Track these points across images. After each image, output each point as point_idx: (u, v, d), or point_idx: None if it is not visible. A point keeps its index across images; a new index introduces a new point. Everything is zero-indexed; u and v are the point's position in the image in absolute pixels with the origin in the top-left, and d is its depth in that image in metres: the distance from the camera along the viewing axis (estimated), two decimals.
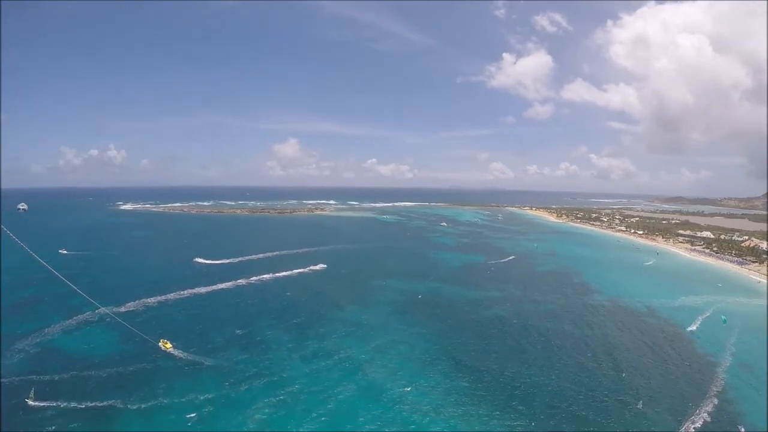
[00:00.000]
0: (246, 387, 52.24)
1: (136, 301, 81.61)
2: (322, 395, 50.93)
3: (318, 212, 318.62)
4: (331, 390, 52.29)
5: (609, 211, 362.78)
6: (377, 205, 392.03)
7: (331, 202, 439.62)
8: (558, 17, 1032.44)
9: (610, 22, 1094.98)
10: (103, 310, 72.81)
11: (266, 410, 47.50)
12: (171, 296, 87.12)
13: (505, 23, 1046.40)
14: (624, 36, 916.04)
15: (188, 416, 45.64)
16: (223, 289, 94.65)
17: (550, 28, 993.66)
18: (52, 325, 70.63)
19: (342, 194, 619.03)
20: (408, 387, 53.35)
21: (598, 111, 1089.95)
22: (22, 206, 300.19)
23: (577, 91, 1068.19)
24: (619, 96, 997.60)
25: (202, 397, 49.20)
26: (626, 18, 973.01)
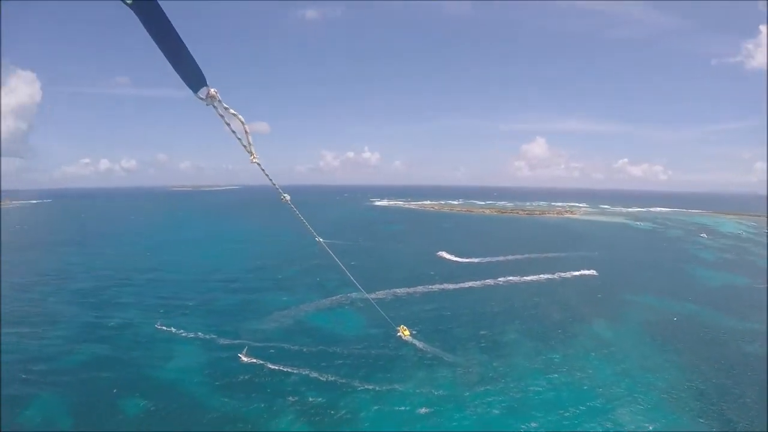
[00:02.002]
0: (481, 389, 49.74)
1: (386, 291, 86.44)
2: (557, 413, 45.83)
3: (567, 215, 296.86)
4: (567, 408, 46.64)
5: None
6: (629, 209, 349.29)
7: (581, 205, 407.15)
8: None
9: None
10: (354, 295, 79.56)
11: (497, 417, 44.58)
12: (419, 289, 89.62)
13: None
14: None
15: (419, 410, 45.27)
16: (470, 287, 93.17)
17: None
18: (308, 303, 79.27)
19: (591, 197, 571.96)
20: (650, 425, 44.58)
21: None
22: (286, 197, 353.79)
23: None
24: None
25: (436, 393, 48.36)
26: None
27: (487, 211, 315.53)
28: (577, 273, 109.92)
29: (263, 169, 7.51)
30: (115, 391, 48.28)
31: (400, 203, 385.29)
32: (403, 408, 45.17)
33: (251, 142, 5.85)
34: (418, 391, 48.35)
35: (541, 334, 67.30)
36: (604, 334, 69.08)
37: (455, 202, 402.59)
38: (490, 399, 47.44)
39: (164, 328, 66.37)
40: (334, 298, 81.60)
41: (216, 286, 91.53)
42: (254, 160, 6.20)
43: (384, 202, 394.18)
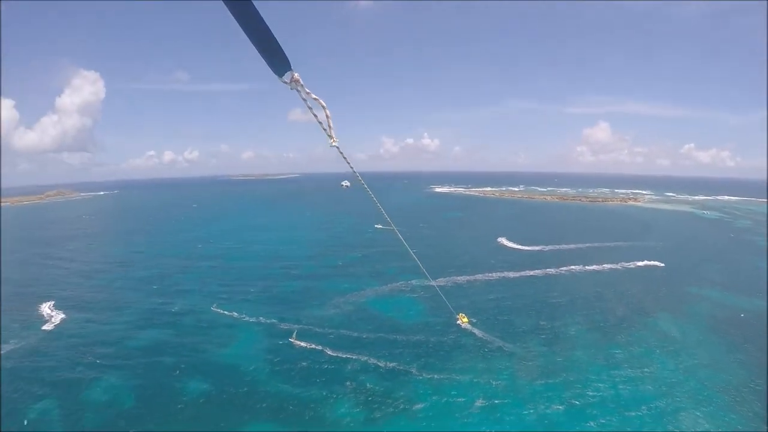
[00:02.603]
0: (541, 383, 48.22)
1: (446, 278, 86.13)
2: (619, 412, 43.91)
3: (631, 202, 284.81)
4: (630, 408, 44.57)
5: None
6: (695, 198, 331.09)
7: (645, 192, 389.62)
8: None
9: None
10: (414, 281, 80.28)
11: (556, 414, 42.94)
12: (479, 277, 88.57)
13: None
14: None
15: (477, 402, 44.44)
16: (531, 276, 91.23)
17: None
18: (367, 289, 79.79)
19: (656, 183, 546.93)
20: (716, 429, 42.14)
21: None
22: (345, 183, 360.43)
23: None
24: None
25: (494, 383, 47.47)
26: None
27: (549, 198, 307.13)
28: (641, 264, 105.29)
29: (342, 152, 7.39)
30: (176, 373, 50.12)
31: (460, 190, 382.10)
32: (461, 399, 44.44)
33: (332, 126, 5.74)
34: (476, 381, 47.52)
35: (603, 328, 64.74)
36: (669, 330, 65.78)
37: (516, 189, 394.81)
38: (549, 394, 45.88)
39: (225, 312, 68.50)
40: (394, 284, 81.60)
41: (276, 272, 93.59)
42: (333, 144, 6.05)
43: (444, 189, 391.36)
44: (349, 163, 8.72)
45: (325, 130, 5.74)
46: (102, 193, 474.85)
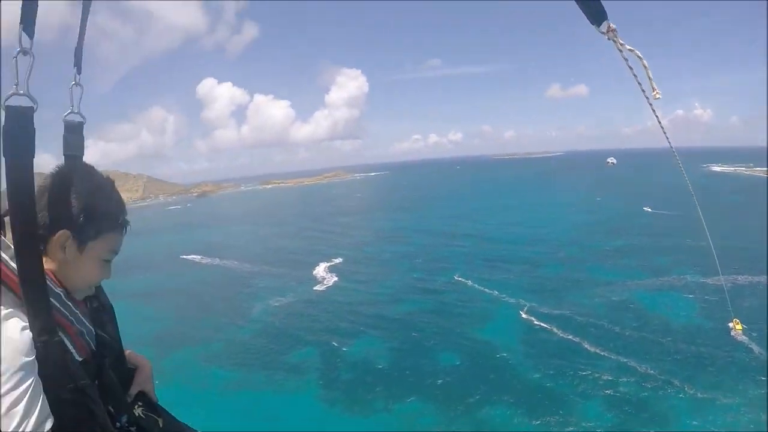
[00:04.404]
0: None
1: (726, 276, 71.14)
2: None
3: None
4: None
5: None
6: None
7: None
8: None
9: None
10: (689, 277, 68.90)
11: None
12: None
13: None
14: None
15: None
16: None
17: None
18: (634, 281, 70.91)
19: None
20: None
21: None
22: (611, 160, 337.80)
23: None
24: None
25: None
26: None
27: None
28: None
29: (654, 110, 6.21)
30: (430, 342, 53.09)
31: (741, 169, 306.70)
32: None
33: (651, 77, 4.74)
34: (743, 410, 38.37)
35: None
36: None
37: None
38: None
39: (485, 290, 69.50)
40: (664, 278, 71.23)
41: (536, 254, 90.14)
42: (657, 96, 5.02)
43: (721, 168, 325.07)
44: (661, 125, 7.37)
45: (639, 84, 4.81)
46: (373, 174, 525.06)
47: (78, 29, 2.51)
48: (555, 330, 54.09)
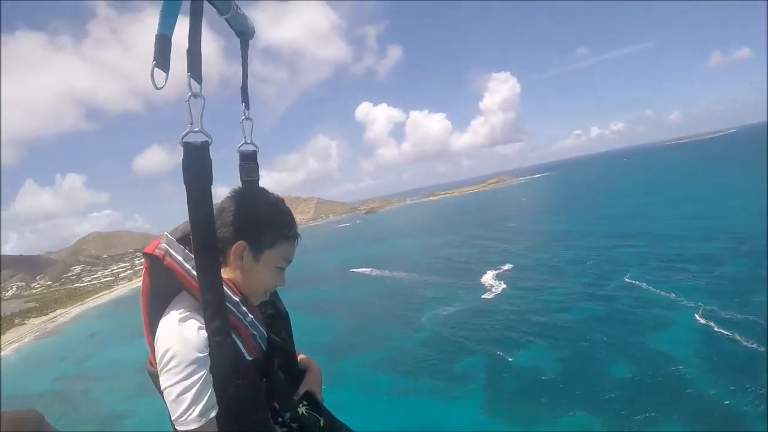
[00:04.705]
0: None
1: None
2: None
3: None
4: None
5: None
6: None
7: None
8: None
9: None
10: None
11: None
12: None
13: None
14: None
15: None
16: None
17: None
18: None
19: None
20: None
21: None
22: None
23: None
24: None
25: None
26: None
27: None
28: None
29: None
30: (603, 352, 49.25)
31: None
32: None
33: None
34: None
35: None
36: None
37: None
38: None
39: (661, 293, 62.62)
40: None
41: (719, 249, 78.57)
42: None
43: None
44: None
45: None
46: (537, 176, 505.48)
47: (240, 69, 2.88)
48: (737, 338, 46.45)
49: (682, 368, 44.48)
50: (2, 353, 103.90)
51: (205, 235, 2.10)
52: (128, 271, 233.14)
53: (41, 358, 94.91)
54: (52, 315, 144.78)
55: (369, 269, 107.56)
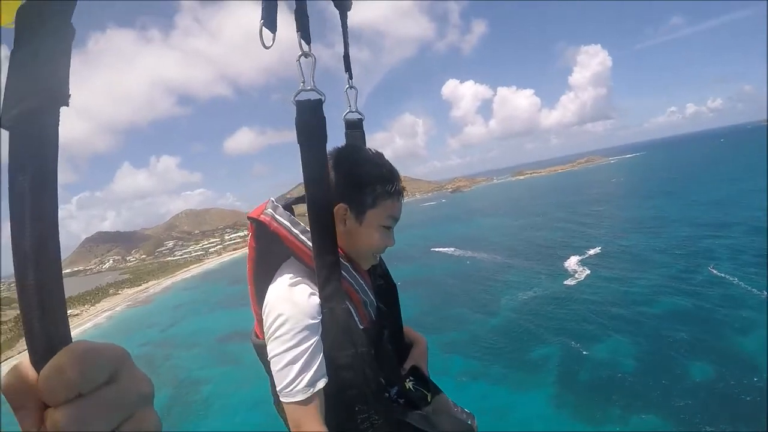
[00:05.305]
0: None
1: None
2: None
3: None
4: None
5: None
6: None
7: None
8: None
9: None
10: None
11: None
12: None
13: None
14: None
15: None
16: None
17: None
18: None
19: None
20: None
21: None
22: None
23: None
24: None
25: None
26: None
27: None
28: None
29: None
30: (684, 350, 47.13)
31: None
32: None
33: None
34: None
35: None
36: None
37: None
38: None
39: (754, 291, 58.26)
40: None
41: None
42: None
43: None
44: None
45: None
46: (629, 155, 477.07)
47: (342, 39, 2.79)
48: None
49: (765, 377, 41.59)
50: (96, 320, 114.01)
51: (320, 193, 2.07)
52: (218, 246, 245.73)
53: (130, 325, 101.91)
54: (144, 286, 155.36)
55: (451, 249, 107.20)
